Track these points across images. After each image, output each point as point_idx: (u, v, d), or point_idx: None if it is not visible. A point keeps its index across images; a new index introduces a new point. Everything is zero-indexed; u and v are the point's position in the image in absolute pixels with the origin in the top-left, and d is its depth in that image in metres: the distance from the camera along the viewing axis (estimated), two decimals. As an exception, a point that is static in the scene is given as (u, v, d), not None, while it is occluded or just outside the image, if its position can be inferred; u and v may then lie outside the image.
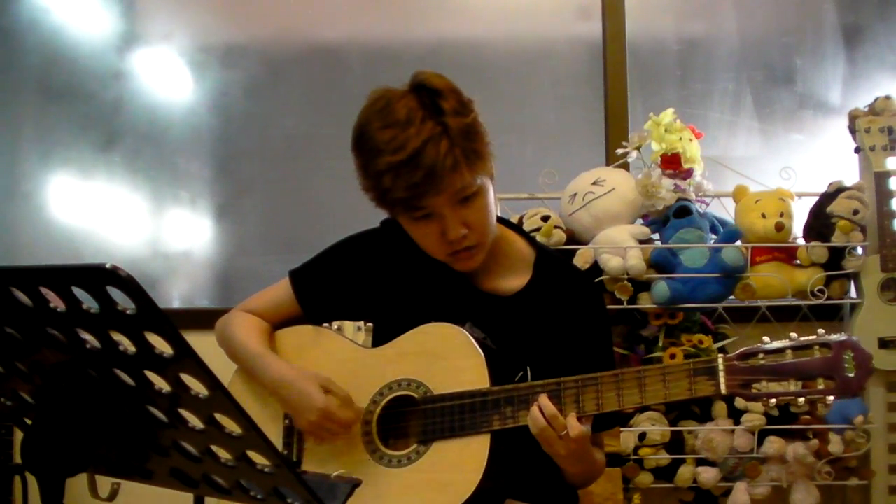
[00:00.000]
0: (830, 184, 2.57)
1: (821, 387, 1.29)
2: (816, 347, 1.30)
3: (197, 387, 0.88)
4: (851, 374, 1.28)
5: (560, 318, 1.59)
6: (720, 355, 1.35)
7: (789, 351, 1.31)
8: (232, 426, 0.91)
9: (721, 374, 1.33)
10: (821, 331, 1.33)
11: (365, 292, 1.68)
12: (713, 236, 2.50)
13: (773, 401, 1.32)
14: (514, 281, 1.63)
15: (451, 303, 1.58)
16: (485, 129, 1.49)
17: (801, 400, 1.31)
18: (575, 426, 1.37)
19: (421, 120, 1.40)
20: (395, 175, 1.41)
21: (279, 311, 1.72)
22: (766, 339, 1.34)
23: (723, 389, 1.33)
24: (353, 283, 1.69)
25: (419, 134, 1.39)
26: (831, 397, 1.29)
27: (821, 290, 2.48)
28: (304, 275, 1.72)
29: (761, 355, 1.32)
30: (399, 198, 1.44)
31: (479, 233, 1.51)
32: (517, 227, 1.72)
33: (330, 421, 1.51)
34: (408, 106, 1.42)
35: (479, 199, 1.48)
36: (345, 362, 1.61)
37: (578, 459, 1.44)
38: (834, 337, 1.30)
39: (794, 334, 1.34)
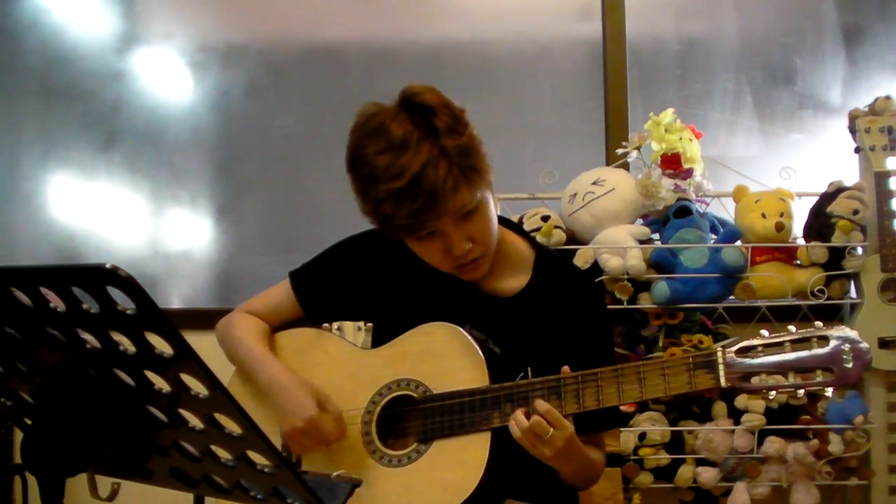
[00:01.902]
0: (830, 184, 2.57)
1: (819, 378, 1.30)
2: (814, 340, 1.32)
3: (197, 387, 0.88)
4: (849, 366, 1.29)
5: (561, 319, 1.59)
6: (719, 348, 1.35)
7: (788, 343, 1.32)
8: (232, 426, 0.91)
9: (720, 367, 1.34)
10: (818, 323, 1.34)
11: (365, 293, 1.68)
12: (713, 236, 2.50)
13: (773, 393, 1.33)
14: (514, 282, 1.63)
15: (451, 304, 1.58)
16: (479, 141, 1.47)
17: (801, 392, 1.32)
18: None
19: (417, 142, 1.39)
20: (396, 202, 1.40)
21: (280, 312, 1.72)
22: (764, 332, 1.35)
23: (722, 382, 1.33)
24: (353, 284, 1.69)
25: (416, 158, 1.38)
26: (830, 389, 1.30)
27: (821, 290, 2.48)
28: (305, 275, 1.73)
29: (760, 348, 1.33)
30: (401, 224, 1.44)
31: (483, 244, 1.51)
32: (517, 227, 1.72)
33: (316, 431, 1.51)
34: (402, 127, 1.40)
35: (481, 213, 1.48)
36: (344, 363, 1.61)
37: (567, 459, 1.44)
38: (831, 329, 1.31)
39: (792, 327, 1.35)
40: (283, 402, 1.55)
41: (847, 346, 1.30)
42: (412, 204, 1.39)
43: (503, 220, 1.69)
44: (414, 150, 1.38)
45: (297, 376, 1.59)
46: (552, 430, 1.37)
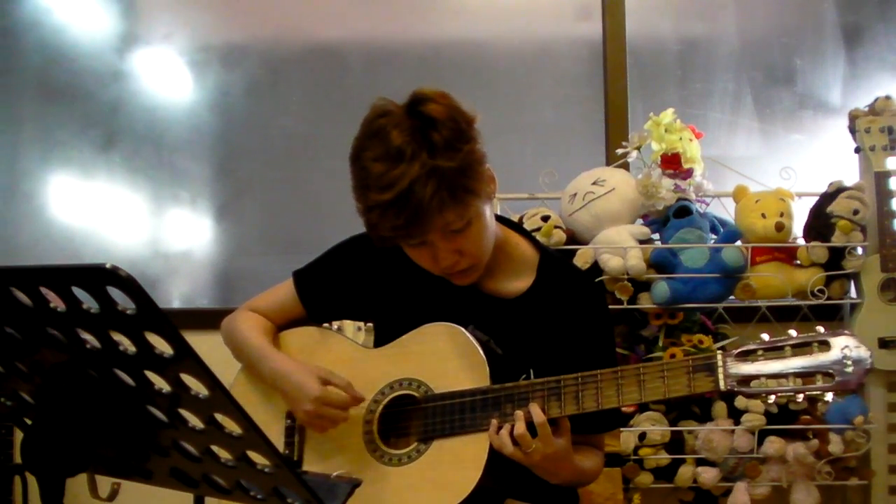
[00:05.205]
0: (830, 184, 2.57)
1: (819, 383, 1.30)
2: (815, 344, 1.31)
3: (197, 387, 0.88)
4: (850, 371, 1.29)
5: (564, 321, 1.59)
6: (719, 352, 1.35)
7: (788, 348, 1.32)
8: (232, 426, 0.91)
9: (720, 370, 1.33)
10: (819, 328, 1.33)
11: (368, 293, 1.68)
12: (713, 236, 2.50)
13: (773, 397, 1.33)
14: (517, 283, 1.62)
15: (454, 305, 1.58)
16: (481, 155, 1.45)
17: (801, 397, 1.32)
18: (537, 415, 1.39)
19: (411, 156, 1.37)
20: (381, 214, 1.40)
21: (283, 311, 1.72)
22: (764, 336, 1.35)
23: (721, 386, 1.33)
24: (356, 284, 1.69)
25: (407, 172, 1.36)
26: (830, 394, 1.30)
27: (821, 290, 2.48)
28: (308, 275, 1.73)
29: (760, 352, 1.33)
30: (385, 235, 1.43)
31: (472, 257, 1.50)
32: (520, 229, 1.72)
33: (326, 407, 1.52)
34: (401, 137, 1.39)
35: (472, 228, 1.46)
36: (347, 362, 1.61)
37: (551, 474, 1.45)
38: (832, 335, 1.31)
39: (792, 331, 1.34)
40: (288, 390, 1.56)
41: (848, 352, 1.29)
42: (395, 219, 1.39)
43: (507, 222, 1.69)
44: (406, 164, 1.37)
45: (297, 362, 1.59)
46: (534, 444, 1.38)
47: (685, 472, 2.41)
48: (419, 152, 1.38)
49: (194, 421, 0.93)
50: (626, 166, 2.65)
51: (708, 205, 2.57)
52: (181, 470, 1.02)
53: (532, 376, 1.47)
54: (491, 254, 1.56)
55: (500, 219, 1.66)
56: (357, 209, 1.48)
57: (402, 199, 1.37)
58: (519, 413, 1.40)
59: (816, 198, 2.59)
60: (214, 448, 0.96)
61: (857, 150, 2.61)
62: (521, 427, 1.39)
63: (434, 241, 1.45)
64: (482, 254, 1.52)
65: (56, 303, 0.86)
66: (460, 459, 1.43)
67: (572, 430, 1.45)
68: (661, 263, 2.43)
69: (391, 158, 1.38)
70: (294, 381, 1.55)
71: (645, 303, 2.45)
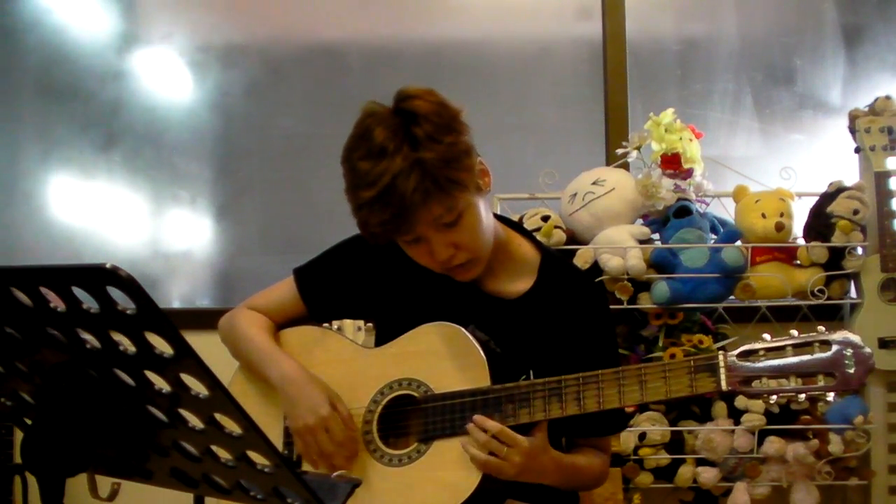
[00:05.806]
0: (830, 184, 2.57)
1: (821, 383, 1.30)
2: (816, 344, 1.31)
3: (197, 387, 0.88)
4: (851, 371, 1.29)
5: (565, 323, 1.59)
6: (721, 352, 1.35)
7: (790, 348, 1.32)
8: (232, 426, 0.91)
9: (722, 370, 1.34)
10: (821, 328, 1.34)
11: (369, 292, 1.68)
12: (713, 236, 2.50)
13: (774, 397, 1.33)
14: (518, 284, 1.62)
15: (454, 305, 1.58)
16: (468, 147, 1.45)
17: (802, 396, 1.32)
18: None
19: (392, 151, 1.38)
20: (369, 211, 1.41)
21: (283, 309, 1.72)
22: (766, 336, 1.35)
23: (723, 386, 1.33)
24: (357, 283, 1.69)
25: (389, 168, 1.38)
26: (831, 393, 1.30)
27: (821, 290, 2.48)
28: (309, 273, 1.72)
29: (762, 352, 1.33)
30: (375, 232, 1.44)
31: (469, 251, 1.50)
32: (522, 229, 1.72)
33: (324, 432, 1.52)
34: (384, 134, 1.40)
35: (465, 220, 1.46)
36: (347, 362, 1.61)
37: (539, 473, 1.44)
38: (834, 334, 1.31)
39: (794, 331, 1.35)
40: (296, 398, 1.55)
41: (849, 351, 1.30)
42: (381, 214, 1.40)
43: (509, 222, 1.68)
44: (389, 160, 1.38)
45: (308, 373, 1.59)
46: (504, 447, 1.38)
47: (685, 472, 2.41)
48: (401, 146, 1.39)
49: (194, 421, 0.93)
50: (626, 166, 2.65)
51: (708, 205, 2.57)
52: (181, 470, 1.02)
53: (532, 377, 1.47)
54: (492, 253, 1.56)
55: (502, 219, 1.66)
56: (351, 210, 1.49)
57: (386, 194, 1.38)
58: (471, 426, 1.40)
59: (816, 198, 2.59)
60: (214, 448, 0.96)
61: (857, 150, 2.61)
62: (482, 435, 1.38)
63: (427, 235, 1.45)
64: (479, 247, 1.52)
65: (56, 303, 0.85)
66: (461, 460, 1.43)
67: (576, 434, 1.45)
68: (661, 263, 2.43)
69: (375, 155, 1.40)
70: (304, 391, 1.55)
71: (645, 303, 2.45)
